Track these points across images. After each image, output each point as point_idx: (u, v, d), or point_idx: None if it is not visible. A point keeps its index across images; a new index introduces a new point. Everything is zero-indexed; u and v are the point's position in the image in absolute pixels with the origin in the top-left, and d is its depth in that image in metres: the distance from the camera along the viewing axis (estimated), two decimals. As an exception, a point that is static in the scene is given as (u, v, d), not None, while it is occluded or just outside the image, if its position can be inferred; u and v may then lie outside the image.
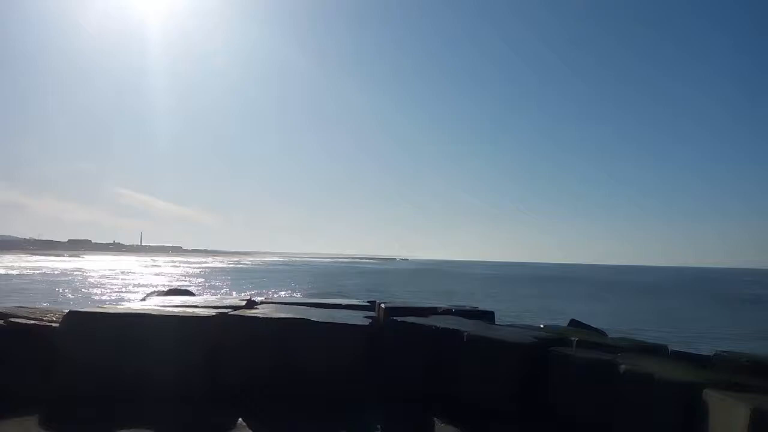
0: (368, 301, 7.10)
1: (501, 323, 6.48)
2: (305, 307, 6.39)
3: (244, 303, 6.29)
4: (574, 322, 7.05)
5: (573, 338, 5.30)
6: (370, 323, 5.56)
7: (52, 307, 6.33)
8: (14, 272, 61.73)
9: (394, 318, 5.73)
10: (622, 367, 4.33)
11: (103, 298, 33.38)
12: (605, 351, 4.89)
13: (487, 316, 6.52)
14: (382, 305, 6.39)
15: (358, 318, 5.73)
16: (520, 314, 25.52)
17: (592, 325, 6.95)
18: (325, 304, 6.83)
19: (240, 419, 4.37)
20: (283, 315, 5.57)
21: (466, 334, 5.11)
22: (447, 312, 6.38)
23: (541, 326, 6.54)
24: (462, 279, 78.87)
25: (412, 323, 5.52)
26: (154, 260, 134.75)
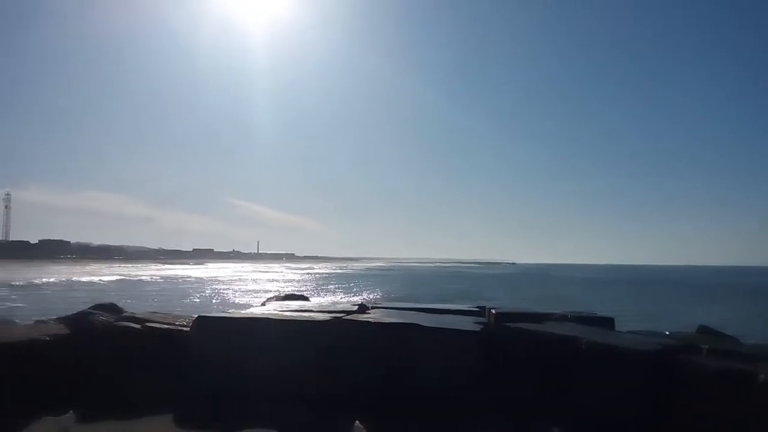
0: (478, 307, 7.01)
1: (621, 330, 6.14)
2: (415, 312, 6.44)
3: (356, 308, 6.44)
4: (702, 329, 6.52)
5: (703, 346, 4.90)
6: (481, 329, 5.50)
7: (183, 313, 6.83)
8: (146, 279, 67.45)
9: (506, 324, 5.62)
10: (761, 377, 3.95)
11: (227, 302, 35.47)
12: (740, 360, 4.47)
13: (606, 322, 6.19)
14: (493, 311, 6.29)
15: (468, 323, 5.69)
16: (639, 320, 24.01)
17: (723, 332, 6.39)
18: (435, 309, 6.84)
19: (357, 422, 4.47)
20: (394, 320, 5.65)
21: (584, 341, 4.89)
22: (562, 318, 6.14)
23: (667, 333, 6.11)
24: (570, 283, 75.72)
25: (526, 330, 5.37)
26: (269, 266, 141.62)
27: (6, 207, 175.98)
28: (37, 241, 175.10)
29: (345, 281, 69.77)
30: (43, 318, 6.41)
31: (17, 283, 54.83)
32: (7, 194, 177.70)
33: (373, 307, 6.76)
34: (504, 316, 5.95)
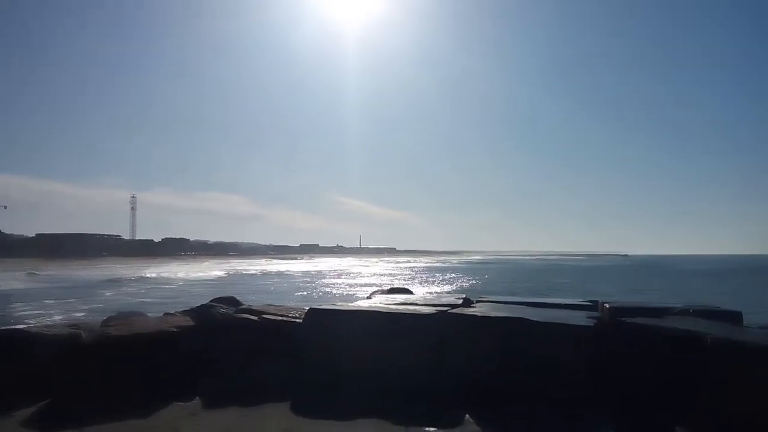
0: (589, 301, 6.71)
1: (750, 325, 5.65)
2: (523, 306, 6.29)
3: (461, 301, 6.40)
4: None
5: None
6: (594, 324, 5.27)
7: (295, 305, 7.12)
8: (257, 273, 71.10)
9: (622, 319, 5.35)
10: None
11: (334, 295, 36.57)
12: None
13: (733, 316, 5.71)
14: (606, 305, 6.00)
15: (580, 318, 5.47)
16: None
17: None
18: (544, 303, 6.64)
19: (467, 415, 4.45)
20: (501, 314, 5.56)
21: (710, 338, 4.55)
22: (683, 312, 5.75)
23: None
24: (688, 275, 70.65)
25: (644, 325, 5.08)
26: (371, 261, 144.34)
27: (132, 209, 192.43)
28: (161, 240, 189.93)
29: (447, 275, 69.59)
30: (170, 311, 6.96)
31: (148, 276, 59.85)
32: (133, 197, 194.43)
33: (478, 301, 6.68)
34: (619, 311, 5.66)
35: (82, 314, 22.08)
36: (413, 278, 59.38)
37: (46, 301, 30.63)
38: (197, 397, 4.96)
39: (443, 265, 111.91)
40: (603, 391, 4.84)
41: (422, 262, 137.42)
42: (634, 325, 5.13)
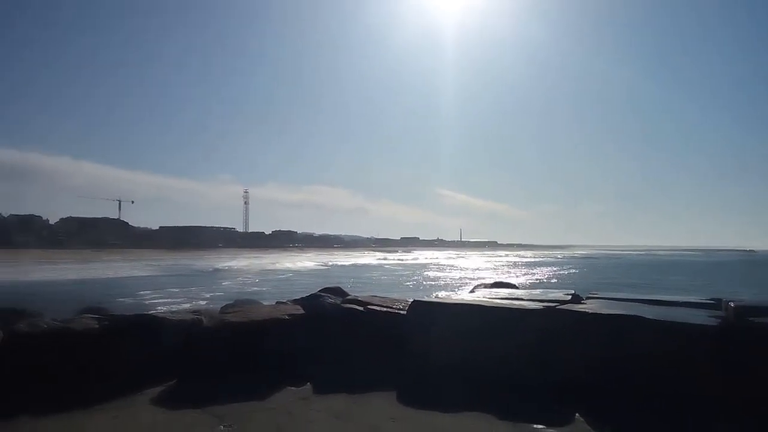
0: (712, 299, 6.24)
1: None
2: (637, 303, 5.98)
3: (569, 297, 6.19)
4: None
5: None
6: (717, 324, 4.91)
7: (399, 297, 7.23)
8: (359, 265, 72.75)
9: (750, 319, 4.93)
10: None
11: (437, 288, 36.60)
12: None
13: None
14: (731, 303, 5.56)
15: (701, 317, 5.11)
16: None
17: None
18: (660, 300, 6.27)
19: (577, 414, 4.32)
20: (613, 311, 5.32)
21: None
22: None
23: None
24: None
25: (776, 326, 4.66)
26: (473, 254, 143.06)
27: (245, 203, 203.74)
28: (270, 232, 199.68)
29: (551, 269, 67.42)
30: (282, 299, 7.31)
31: (260, 266, 63.18)
32: (246, 192, 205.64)
33: (587, 298, 6.43)
34: (747, 310, 5.21)
35: (203, 302, 23.76)
36: (516, 273, 58.08)
37: (171, 289, 33.25)
38: (308, 383, 5.17)
39: (548, 259, 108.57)
40: (727, 395, 4.51)
41: (525, 256, 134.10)
42: (764, 325, 4.72)
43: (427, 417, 4.35)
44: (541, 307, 5.54)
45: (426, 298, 6.51)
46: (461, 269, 66.43)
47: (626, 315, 5.12)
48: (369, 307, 6.29)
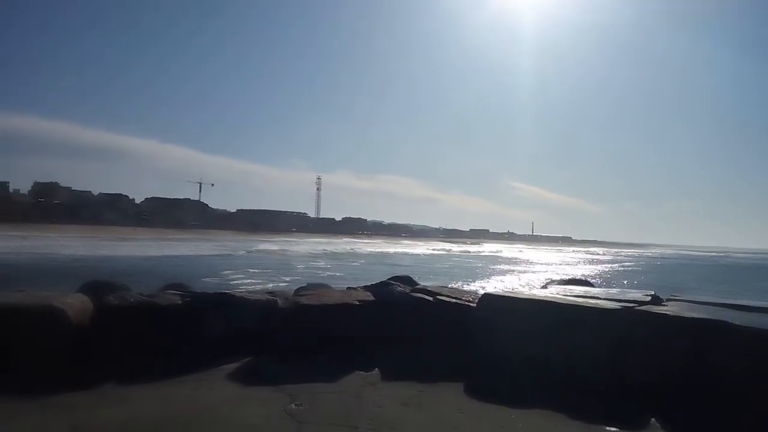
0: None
1: None
2: (722, 308, 5.66)
3: (648, 298, 5.95)
4: None
5: None
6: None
7: (469, 289, 7.19)
8: (425, 254, 72.66)
9: None
10: None
11: (508, 282, 36.10)
12: None
13: None
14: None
15: (796, 327, 4.78)
16: None
17: None
18: (748, 306, 5.91)
19: (653, 419, 4.16)
20: (696, 315, 5.07)
21: None
22: None
23: None
24: None
25: None
26: (545, 249, 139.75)
27: (318, 189, 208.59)
28: (341, 219, 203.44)
29: (628, 268, 64.83)
30: (353, 285, 7.44)
31: (332, 251, 64.41)
32: (318, 178, 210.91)
33: (668, 299, 6.16)
34: None
35: (278, 284, 24.59)
36: (591, 270, 56.21)
37: (250, 270, 34.66)
38: (376, 369, 5.24)
39: (624, 257, 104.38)
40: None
41: (600, 253, 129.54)
42: None
43: (495, 411, 4.31)
44: (619, 307, 5.36)
45: (497, 292, 6.43)
46: (532, 263, 65.05)
47: (711, 320, 4.87)
48: (438, 297, 6.29)
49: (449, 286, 7.36)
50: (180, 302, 5.82)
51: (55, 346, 5.07)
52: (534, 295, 6.25)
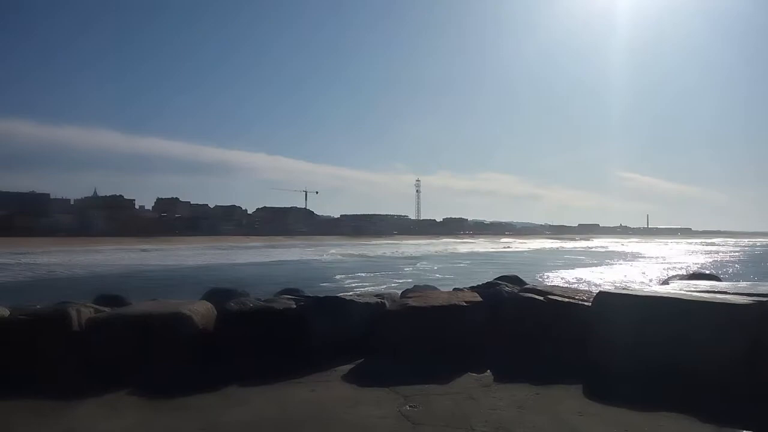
0: None
1: None
2: None
3: (785, 292, 5.42)
4: None
5: None
6: None
7: (582, 287, 6.92)
8: (528, 251, 70.67)
9: None
10: None
11: (624, 278, 34.34)
12: None
13: None
14: None
15: None
16: None
17: None
18: None
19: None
20: None
21: None
22: None
23: None
24: None
25: None
26: (662, 242, 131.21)
27: (417, 191, 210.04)
28: (441, 220, 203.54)
29: (758, 260, 59.34)
30: (459, 286, 7.40)
31: (441, 254, 64.52)
32: (418, 181, 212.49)
33: (811, 293, 5.57)
34: None
35: (386, 286, 25.06)
36: (717, 263, 52.04)
37: (360, 274, 35.64)
38: (488, 370, 5.17)
39: (753, 248, 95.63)
40: None
41: (725, 244, 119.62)
42: None
43: (617, 414, 4.11)
44: (751, 302, 4.92)
45: (613, 290, 6.13)
46: (648, 258, 61.39)
47: None
48: (550, 297, 6.09)
49: (559, 284, 7.10)
50: (294, 306, 6.07)
51: (183, 349, 5.47)
52: (654, 291, 5.90)
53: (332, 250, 71.77)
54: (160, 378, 4.98)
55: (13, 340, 5.30)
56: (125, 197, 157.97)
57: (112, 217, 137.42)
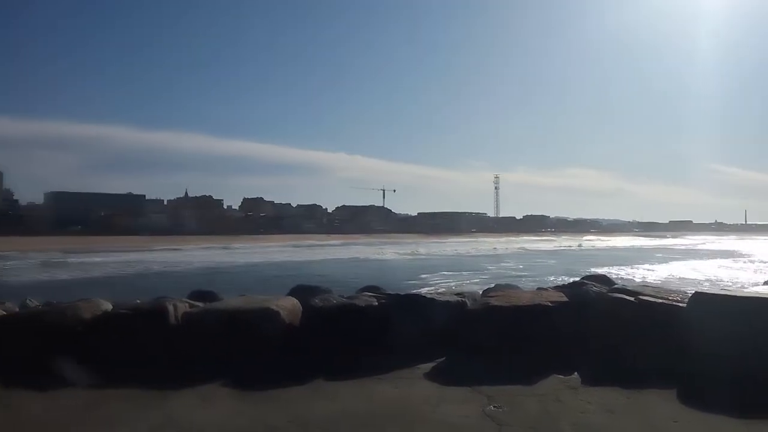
0: None
1: None
2: None
3: None
4: None
5: None
6: None
7: (675, 287, 6.58)
8: (610, 248, 67.73)
9: None
10: None
11: (720, 279, 32.38)
12: None
13: None
14: None
15: None
16: None
17: None
18: None
19: None
20: None
21: None
22: None
23: None
24: None
25: None
26: (763, 239, 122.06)
27: (496, 188, 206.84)
28: (522, 217, 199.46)
29: None
30: (543, 286, 7.23)
31: (521, 252, 63.38)
32: (496, 177, 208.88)
33: None
34: None
35: (468, 282, 24.95)
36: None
37: (443, 272, 35.68)
38: (575, 372, 5.02)
39: None
40: None
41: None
42: None
43: (715, 421, 3.89)
44: None
45: (710, 290, 5.79)
46: (746, 256, 57.28)
47: None
48: (641, 297, 5.83)
49: (650, 283, 6.78)
50: (376, 304, 6.15)
51: (271, 343, 5.68)
52: (756, 292, 5.53)
53: (410, 248, 72.01)
54: (250, 371, 5.19)
55: (115, 333, 5.70)
56: (214, 197, 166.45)
57: (202, 216, 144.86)
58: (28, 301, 7.14)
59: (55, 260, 50.91)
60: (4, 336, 5.56)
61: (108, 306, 6.15)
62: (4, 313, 6.16)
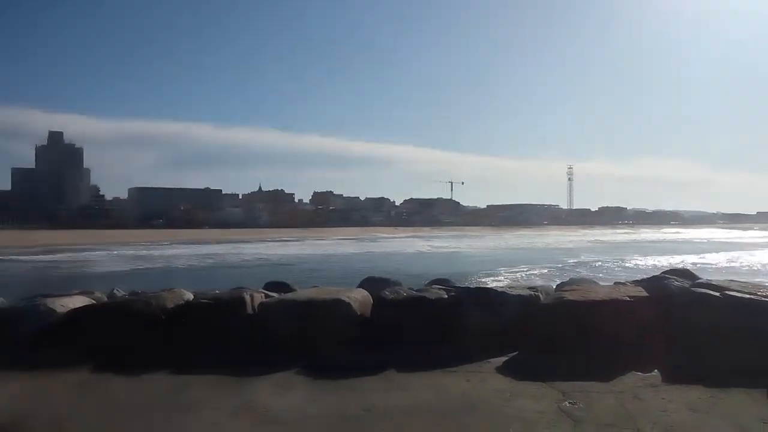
0: None
1: None
2: None
3: None
4: None
5: None
6: None
7: (762, 282, 6.19)
8: (703, 243, 64.18)
9: None
10: None
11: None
12: None
13: None
14: None
15: None
16: None
17: None
18: None
19: None
20: None
21: None
22: None
23: None
24: None
25: None
26: None
27: (569, 179, 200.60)
28: (597, 209, 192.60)
29: None
30: (621, 280, 6.98)
31: (598, 246, 61.41)
32: (570, 168, 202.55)
33: None
34: None
35: (539, 272, 24.44)
36: None
37: (516, 266, 35.24)
38: (654, 369, 4.83)
39: None
40: None
41: None
42: None
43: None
44: None
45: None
46: None
47: None
48: (727, 292, 5.52)
49: (736, 279, 6.40)
50: (446, 296, 6.14)
51: (343, 334, 5.79)
52: None
53: (479, 241, 71.20)
54: (323, 360, 5.32)
55: (196, 321, 5.99)
56: (286, 191, 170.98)
57: (275, 209, 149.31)
58: (115, 291, 7.63)
59: (139, 252, 53.92)
60: (95, 324, 5.96)
61: (189, 296, 6.47)
62: (94, 302, 6.59)
